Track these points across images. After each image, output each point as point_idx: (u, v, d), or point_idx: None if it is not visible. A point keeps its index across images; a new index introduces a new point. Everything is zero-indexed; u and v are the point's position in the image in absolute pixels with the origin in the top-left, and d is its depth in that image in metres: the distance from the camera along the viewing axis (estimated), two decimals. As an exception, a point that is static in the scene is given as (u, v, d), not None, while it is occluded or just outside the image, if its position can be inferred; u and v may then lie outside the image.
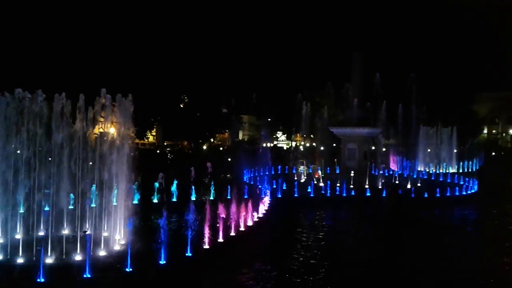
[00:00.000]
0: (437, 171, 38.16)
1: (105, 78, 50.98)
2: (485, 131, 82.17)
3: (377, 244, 16.41)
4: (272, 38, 62.76)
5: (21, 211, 13.71)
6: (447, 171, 38.63)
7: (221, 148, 68.58)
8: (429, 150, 44.01)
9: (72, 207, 15.18)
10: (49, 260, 11.12)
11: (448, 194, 26.36)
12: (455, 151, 44.21)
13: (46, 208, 14.27)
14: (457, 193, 27.04)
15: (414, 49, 61.67)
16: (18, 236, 12.78)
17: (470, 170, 40.03)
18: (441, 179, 32.79)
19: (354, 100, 31.94)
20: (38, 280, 10.08)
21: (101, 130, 57.93)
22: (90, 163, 15.67)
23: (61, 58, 50.03)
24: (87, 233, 12.98)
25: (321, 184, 25.73)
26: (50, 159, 14.88)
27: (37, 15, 50.58)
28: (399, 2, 61.70)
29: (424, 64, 60.89)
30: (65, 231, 13.80)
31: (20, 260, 11.48)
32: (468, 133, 71.19)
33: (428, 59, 61.11)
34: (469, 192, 28.22)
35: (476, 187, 29.18)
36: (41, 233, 13.55)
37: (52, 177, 14.01)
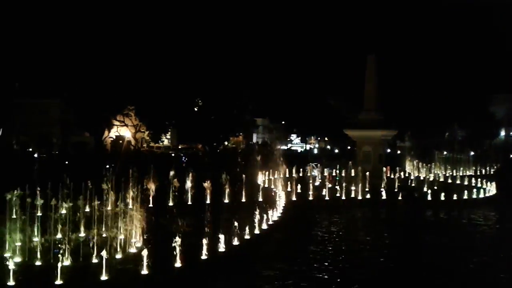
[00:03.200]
0: (454, 174, 37.68)
1: (120, 83, 51.71)
2: (503, 133, 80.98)
3: (394, 248, 16.26)
4: (286, 41, 62.74)
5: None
6: (464, 173, 38.11)
7: (239, 150, 68.69)
8: (445, 153, 43.53)
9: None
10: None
11: (465, 197, 26.02)
12: (472, 153, 43.63)
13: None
14: (474, 196, 26.67)
15: (430, 50, 61.08)
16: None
17: (487, 173, 39.41)
18: (458, 182, 32.35)
19: (368, 102, 31.79)
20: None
21: (116, 133, 58.75)
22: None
23: (78, 63, 50.74)
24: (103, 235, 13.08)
25: (336, 187, 25.60)
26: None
27: (55, 22, 51.37)
28: (413, 5, 61.19)
29: (440, 66, 60.39)
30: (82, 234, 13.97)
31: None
32: (485, 135, 70.35)
33: (445, 60, 60.50)
34: (487, 195, 27.82)
35: (494, 190, 28.76)
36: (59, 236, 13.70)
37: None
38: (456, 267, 13.61)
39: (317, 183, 28.08)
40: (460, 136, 73.39)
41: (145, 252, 10.97)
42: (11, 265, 10.02)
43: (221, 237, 12.88)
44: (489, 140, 72.25)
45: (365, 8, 61.61)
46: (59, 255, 10.43)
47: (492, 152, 50.66)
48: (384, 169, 29.48)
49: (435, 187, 27.44)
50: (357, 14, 61.60)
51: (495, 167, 42.93)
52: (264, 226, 16.18)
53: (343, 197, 24.65)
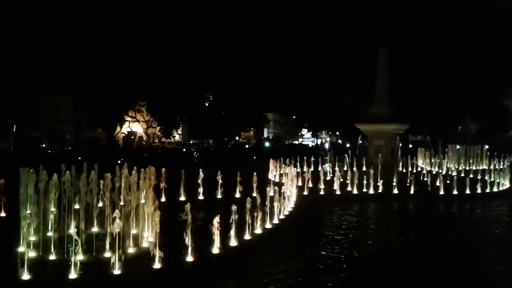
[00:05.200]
0: (467, 168, 37.31)
1: (132, 79, 52.00)
2: (517, 126, 79.86)
3: (406, 243, 16.19)
4: (296, 35, 62.39)
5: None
6: (478, 167, 37.71)
7: (246, 146, 68.83)
8: (458, 147, 43.08)
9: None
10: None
11: (479, 191, 25.81)
12: (486, 147, 43.12)
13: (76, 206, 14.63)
14: (488, 190, 26.45)
15: (443, 43, 60.39)
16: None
17: (501, 167, 38.94)
18: (471, 176, 32.06)
19: (380, 96, 31.61)
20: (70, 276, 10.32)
21: (128, 129, 59.16)
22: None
23: (90, 60, 51.09)
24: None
25: (348, 182, 25.53)
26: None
27: (67, 18, 51.71)
28: (425, -4, 60.44)
29: (453, 58, 59.69)
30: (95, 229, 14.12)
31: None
32: (499, 129, 69.56)
33: (458, 52, 59.73)
34: (500, 188, 27.58)
35: (508, 184, 28.49)
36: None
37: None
38: (469, 263, 13.49)
39: (328, 178, 28.01)
40: (473, 130, 72.66)
41: (157, 247, 11.07)
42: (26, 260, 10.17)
43: (232, 231, 12.94)
44: (502, 134, 71.39)
45: (376, 0, 61.02)
46: (71, 249, 10.57)
47: (506, 146, 49.98)
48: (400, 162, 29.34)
49: (448, 181, 27.22)
50: (368, 7, 61.00)
51: (509, 160, 42.38)
52: (276, 221, 16.20)
53: (355, 192, 24.61)
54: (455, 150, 41.25)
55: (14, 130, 53.18)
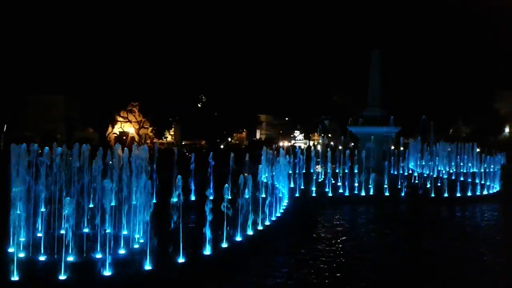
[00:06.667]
0: (458, 171, 37.50)
1: (124, 79, 51.86)
2: (507, 129, 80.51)
3: (398, 245, 16.27)
4: (290, 37, 62.57)
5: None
6: (468, 170, 37.94)
7: (243, 147, 68.70)
8: (449, 149, 43.29)
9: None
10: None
11: (469, 193, 25.99)
12: (477, 150, 43.37)
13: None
14: (478, 193, 26.63)
15: (435, 46, 60.83)
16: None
17: (492, 170, 39.25)
18: (461, 179, 32.28)
19: (372, 99, 31.77)
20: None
21: (120, 129, 58.92)
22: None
23: (82, 60, 50.91)
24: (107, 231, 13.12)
25: (339, 184, 25.61)
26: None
27: (60, 18, 51.52)
28: (417, 0, 60.88)
29: (444, 61, 60.11)
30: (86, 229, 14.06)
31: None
32: (489, 132, 70.06)
33: (449, 56, 60.17)
34: (490, 191, 27.79)
35: (498, 187, 28.71)
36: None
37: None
38: (457, 267, 13.57)
39: (320, 180, 28.08)
40: (464, 133, 73.12)
41: (149, 248, 11.06)
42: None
43: (224, 232, 12.94)
44: (493, 137, 71.90)
45: (369, 3, 61.39)
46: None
47: (497, 148, 50.37)
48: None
49: (439, 184, 27.38)
50: (361, 9, 61.33)
51: (499, 164, 42.63)
52: (267, 222, 16.22)
53: (347, 194, 24.68)
54: (446, 153, 41.34)
55: (4, 130, 52.79)
